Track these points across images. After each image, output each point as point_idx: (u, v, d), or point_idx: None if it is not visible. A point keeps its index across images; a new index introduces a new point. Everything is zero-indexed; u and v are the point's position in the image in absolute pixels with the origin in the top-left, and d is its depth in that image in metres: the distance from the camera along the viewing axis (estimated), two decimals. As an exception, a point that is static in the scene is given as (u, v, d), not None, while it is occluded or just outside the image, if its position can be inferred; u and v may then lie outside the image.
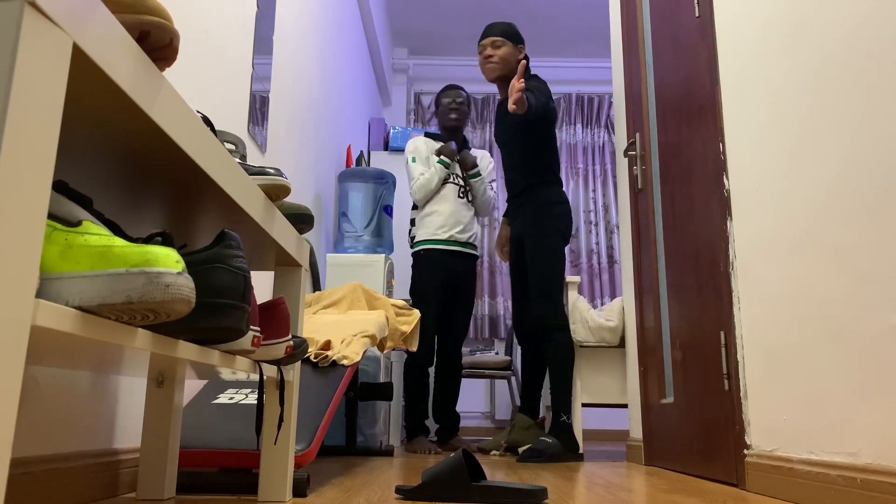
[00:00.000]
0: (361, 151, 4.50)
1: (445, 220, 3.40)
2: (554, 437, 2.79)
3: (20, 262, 0.50)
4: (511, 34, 3.14)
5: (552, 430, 2.83)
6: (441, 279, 3.36)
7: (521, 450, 3.00)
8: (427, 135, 3.63)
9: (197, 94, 1.86)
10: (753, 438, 1.74)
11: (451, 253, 3.41)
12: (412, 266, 3.43)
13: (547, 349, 2.94)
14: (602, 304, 5.74)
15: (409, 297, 3.93)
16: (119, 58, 0.65)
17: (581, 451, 2.86)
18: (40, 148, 0.52)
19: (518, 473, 2.14)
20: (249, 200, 1.06)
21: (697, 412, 2.09)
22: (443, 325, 3.45)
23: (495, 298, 5.80)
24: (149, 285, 0.63)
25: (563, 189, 3.10)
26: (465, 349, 5.76)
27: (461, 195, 3.48)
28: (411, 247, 3.49)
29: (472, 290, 3.48)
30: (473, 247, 3.49)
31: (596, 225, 6.03)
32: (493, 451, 3.14)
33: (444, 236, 3.39)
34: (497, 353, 4.86)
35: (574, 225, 6.16)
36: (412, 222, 3.64)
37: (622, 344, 3.40)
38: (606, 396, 3.43)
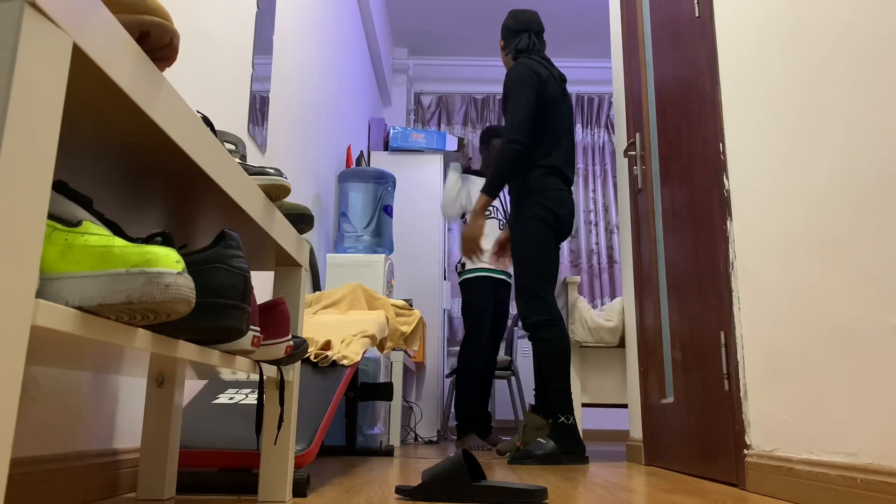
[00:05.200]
0: (361, 151, 4.50)
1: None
2: (551, 438, 2.65)
3: (20, 262, 0.50)
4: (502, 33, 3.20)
5: (551, 431, 2.68)
6: (492, 301, 3.76)
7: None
8: (465, 172, 4.05)
9: (197, 94, 1.86)
10: (753, 438, 1.74)
11: (499, 280, 3.80)
12: (466, 290, 3.79)
13: (535, 348, 2.76)
14: (602, 304, 5.74)
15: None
16: (119, 58, 0.65)
17: (586, 453, 2.73)
18: (40, 148, 0.52)
19: (518, 473, 2.14)
20: (249, 200, 1.06)
21: (697, 412, 2.09)
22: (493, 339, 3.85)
23: (495, 298, 5.80)
24: (149, 285, 0.63)
25: (552, 175, 2.86)
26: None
27: (501, 227, 3.90)
28: (459, 274, 3.85)
29: (508, 307, 3.94)
30: (510, 274, 3.90)
31: (596, 225, 6.03)
32: (509, 453, 3.11)
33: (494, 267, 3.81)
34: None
35: (574, 225, 6.18)
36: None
37: (622, 344, 3.39)
38: (606, 396, 3.42)
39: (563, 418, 2.66)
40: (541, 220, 2.80)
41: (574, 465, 2.56)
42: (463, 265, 3.86)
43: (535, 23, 3.09)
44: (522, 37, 3.06)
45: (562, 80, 3.06)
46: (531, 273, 2.77)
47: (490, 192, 2.82)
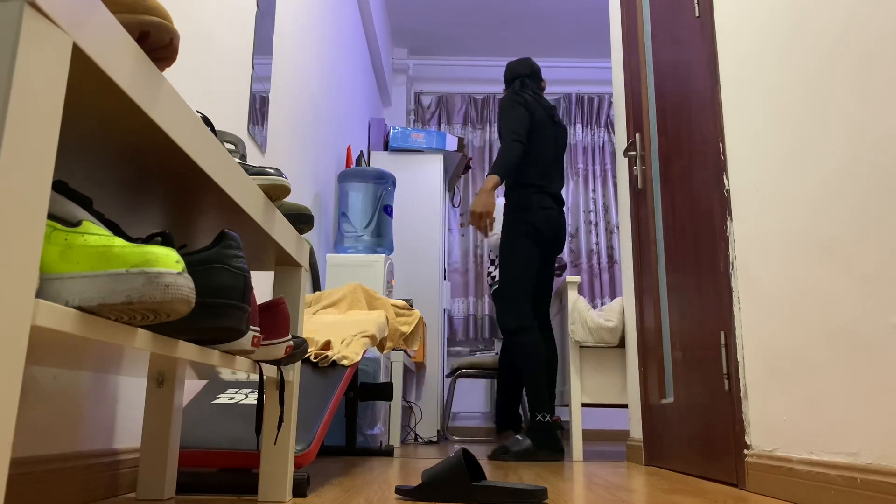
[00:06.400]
0: (361, 151, 4.50)
1: None
2: (527, 436, 2.83)
3: (20, 262, 0.50)
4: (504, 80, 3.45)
5: (528, 429, 2.87)
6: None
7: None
8: None
9: (197, 94, 1.86)
10: (753, 438, 1.74)
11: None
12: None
13: (511, 352, 3.01)
14: (602, 304, 5.74)
15: (408, 298, 4.38)
16: (119, 58, 0.65)
17: (564, 449, 2.90)
18: (40, 148, 0.52)
19: (518, 473, 2.14)
20: (249, 200, 1.06)
21: (697, 412, 2.09)
22: None
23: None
24: (149, 285, 0.63)
25: (541, 193, 3.13)
26: (464, 349, 5.78)
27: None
28: (491, 286, 4.00)
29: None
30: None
31: (596, 225, 6.03)
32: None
33: None
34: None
35: (574, 225, 6.19)
36: (491, 262, 4.21)
37: (622, 344, 3.39)
38: (606, 396, 3.42)
39: (539, 416, 2.87)
40: (527, 236, 3.06)
41: (551, 462, 2.72)
42: (493, 278, 4.02)
43: (525, 67, 3.38)
44: (515, 83, 3.39)
45: (551, 108, 3.34)
46: (511, 283, 3.03)
47: (498, 172, 2.99)
